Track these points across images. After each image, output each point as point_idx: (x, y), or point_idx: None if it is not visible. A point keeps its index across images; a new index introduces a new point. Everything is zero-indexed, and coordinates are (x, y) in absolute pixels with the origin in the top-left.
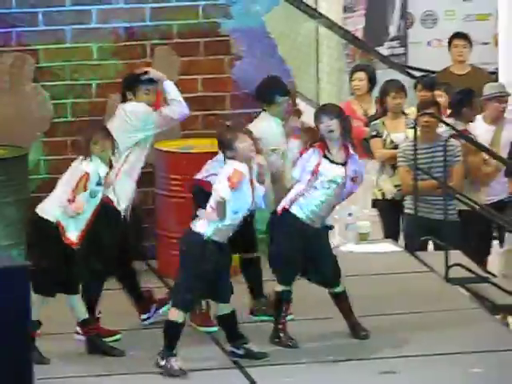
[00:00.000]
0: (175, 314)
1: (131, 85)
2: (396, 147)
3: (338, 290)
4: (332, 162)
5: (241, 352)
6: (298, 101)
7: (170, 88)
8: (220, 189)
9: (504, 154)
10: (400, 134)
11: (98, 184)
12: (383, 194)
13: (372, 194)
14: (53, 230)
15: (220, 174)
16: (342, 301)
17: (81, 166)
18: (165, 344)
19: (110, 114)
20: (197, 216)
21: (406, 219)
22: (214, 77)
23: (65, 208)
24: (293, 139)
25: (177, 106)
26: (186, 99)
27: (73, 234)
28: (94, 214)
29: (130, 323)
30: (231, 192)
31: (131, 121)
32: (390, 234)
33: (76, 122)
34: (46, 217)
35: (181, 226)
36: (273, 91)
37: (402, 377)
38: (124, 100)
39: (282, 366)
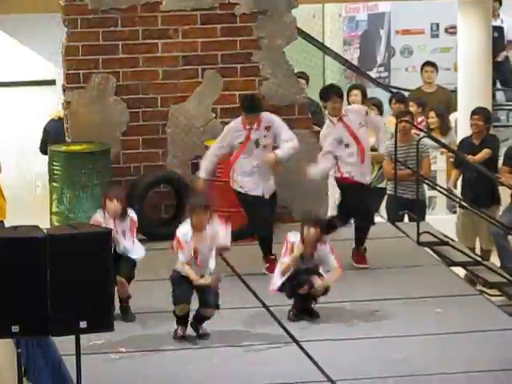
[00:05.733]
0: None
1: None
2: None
3: None
4: None
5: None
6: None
7: None
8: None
9: None
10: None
11: None
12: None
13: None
14: None
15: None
16: None
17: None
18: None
19: (171, 119)
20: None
21: (387, 199)
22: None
23: None
24: None
25: None
26: (226, 109)
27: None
28: None
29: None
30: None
31: None
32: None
33: (146, 126)
34: None
35: (223, 202)
36: (330, 92)
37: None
38: None
39: None
